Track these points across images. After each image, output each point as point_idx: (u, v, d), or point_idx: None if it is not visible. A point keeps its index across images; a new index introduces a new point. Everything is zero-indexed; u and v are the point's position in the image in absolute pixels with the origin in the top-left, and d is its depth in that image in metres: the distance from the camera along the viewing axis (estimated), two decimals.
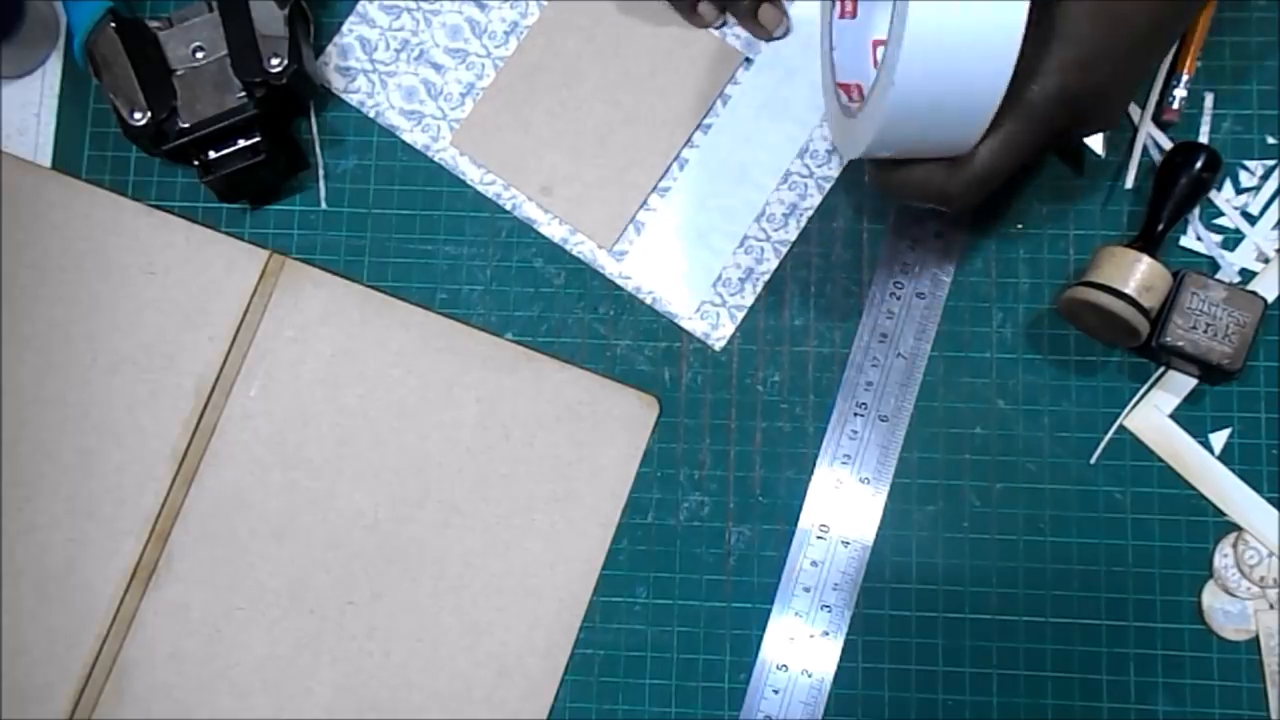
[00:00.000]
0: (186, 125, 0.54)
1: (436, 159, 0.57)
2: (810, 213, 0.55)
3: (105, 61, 0.53)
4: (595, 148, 0.56)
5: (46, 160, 0.58)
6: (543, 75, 0.56)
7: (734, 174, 0.55)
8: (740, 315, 0.55)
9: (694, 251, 0.55)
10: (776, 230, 0.55)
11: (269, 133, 0.55)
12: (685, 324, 0.55)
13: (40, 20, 0.58)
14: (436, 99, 0.57)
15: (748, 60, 0.56)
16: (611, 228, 0.55)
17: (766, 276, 0.55)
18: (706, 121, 0.56)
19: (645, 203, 0.55)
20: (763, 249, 0.55)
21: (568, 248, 0.56)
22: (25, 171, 0.58)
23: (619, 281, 0.55)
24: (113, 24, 0.53)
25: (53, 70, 0.59)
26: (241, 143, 0.54)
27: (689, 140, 0.56)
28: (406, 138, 0.57)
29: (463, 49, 0.57)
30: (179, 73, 0.54)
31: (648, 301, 0.55)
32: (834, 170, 0.55)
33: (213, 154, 0.54)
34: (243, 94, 0.54)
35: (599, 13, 0.56)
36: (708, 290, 0.55)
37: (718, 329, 0.55)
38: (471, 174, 0.56)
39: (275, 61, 0.53)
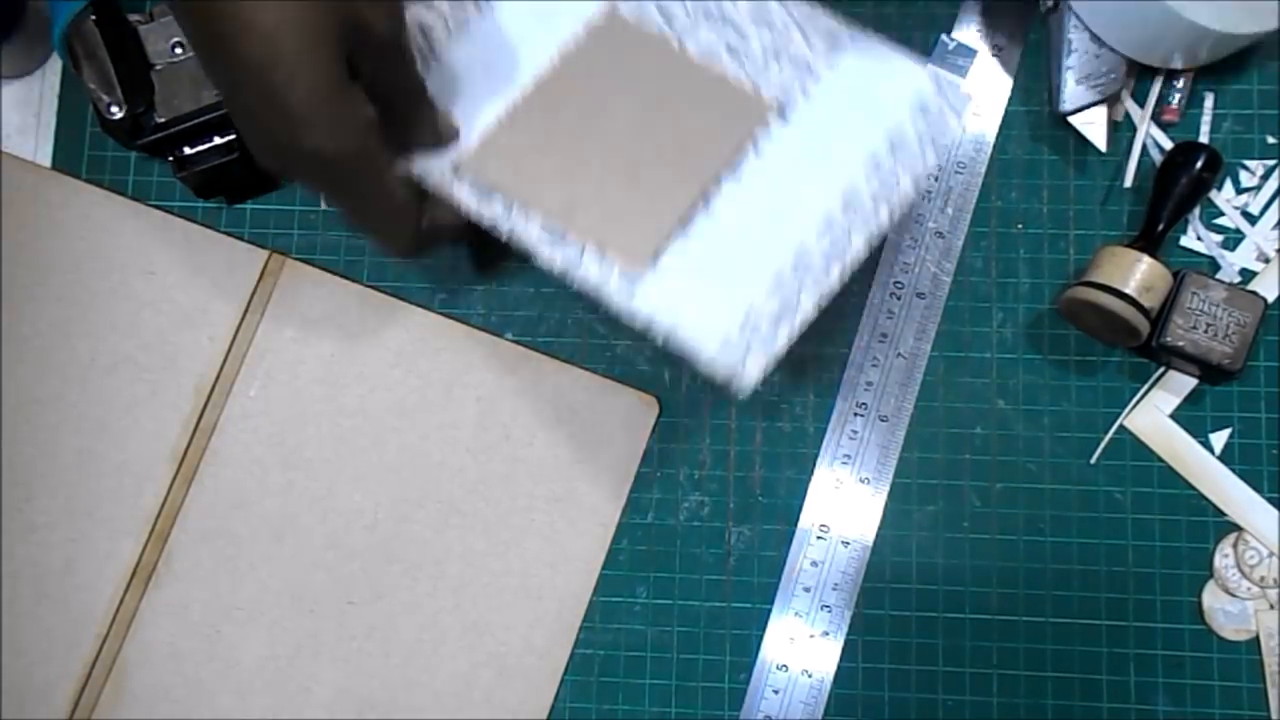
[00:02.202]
0: (163, 120, 0.54)
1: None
2: (854, 263, 0.48)
3: (84, 54, 0.53)
4: (620, 179, 0.50)
5: (46, 160, 0.58)
6: (564, 110, 0.51)
7: (766, 215, 0.49)
8: (770, 357, 0.47)
9: (720, 287, 0.49)
10: (815, 278, 0.48)
11: None
12: (708, 360, 0.47)
13: (40, 20, 0.58)
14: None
15: (781, 116, 0.51)
16: (641, 248, 0.49)
17: (803, 323, 0.48)
18: (737, 169, 0.50)
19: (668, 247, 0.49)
20: (798, 297, 0.48)
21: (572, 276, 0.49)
22: (25, 171, 0.58)
23: (628, 312, 0.48)
24: (93, 16, 0.53)
25: (53, 70, 0.59)
26: (217, 140, 0.54)
27: (717, 183, 0.50)
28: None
29: None
30: (157, 67, 0.54)
31: (663, 333, 0.47)
32: (884, 221, 0.49)
33: (188, 150, 0.54)
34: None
35: (623, 61, 0.52)
36: (734, 329, 0.47)
37: (747, 369, 0.47)
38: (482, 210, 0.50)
39: None
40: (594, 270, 0.49)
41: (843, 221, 0.50)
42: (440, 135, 0.50)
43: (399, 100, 0.47)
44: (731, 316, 0.48)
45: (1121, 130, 0.55)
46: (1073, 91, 0.53)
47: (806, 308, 0.49)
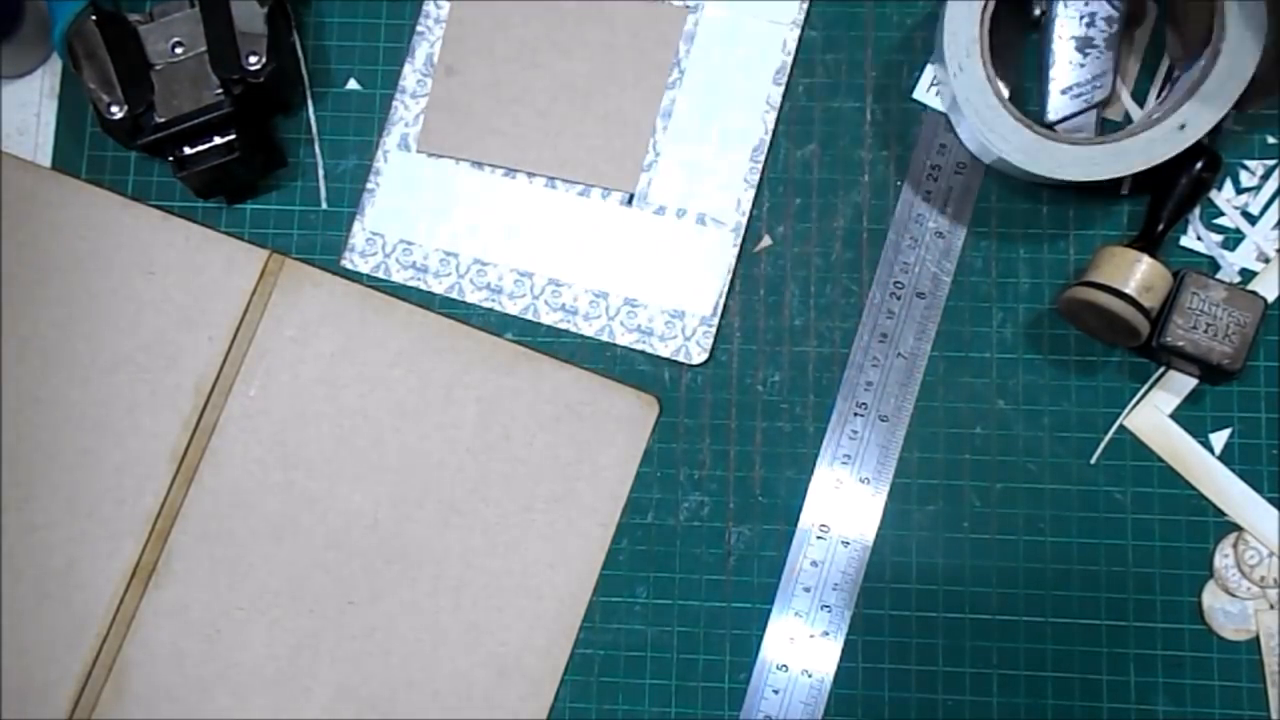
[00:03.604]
0: (162, 120, 0.54)
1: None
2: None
3: (84, 54, 0.54)
4: (579, 113, 0.56)
5: (46, 160, 0.58)
6: (494, 68, 0.56)
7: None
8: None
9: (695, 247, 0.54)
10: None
11: (247, 130, 0.55)
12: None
13: (40, 20, 0.58)
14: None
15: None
16: (630, 171, 0.55)
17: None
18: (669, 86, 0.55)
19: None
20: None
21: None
22: (25, 171, 0.58)
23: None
24: (93, 16, 0.53)
25: (53, 70, 0.59)
26: (217, 140, 0.54)
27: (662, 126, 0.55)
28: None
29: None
30: (157, 67, 0.54)
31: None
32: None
33: (188, 150, 0.54)
34: (220, 91, 0.54)
35: (509, 17, 0.56)
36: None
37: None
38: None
39: (254, 59, 0.53)
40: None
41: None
42: None
43: None
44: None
45: (1117, 129, 0.55)
46: (1057, 102, 0.53)
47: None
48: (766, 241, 0.55)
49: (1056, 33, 0.53)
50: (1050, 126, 0.53)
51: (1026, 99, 0.55)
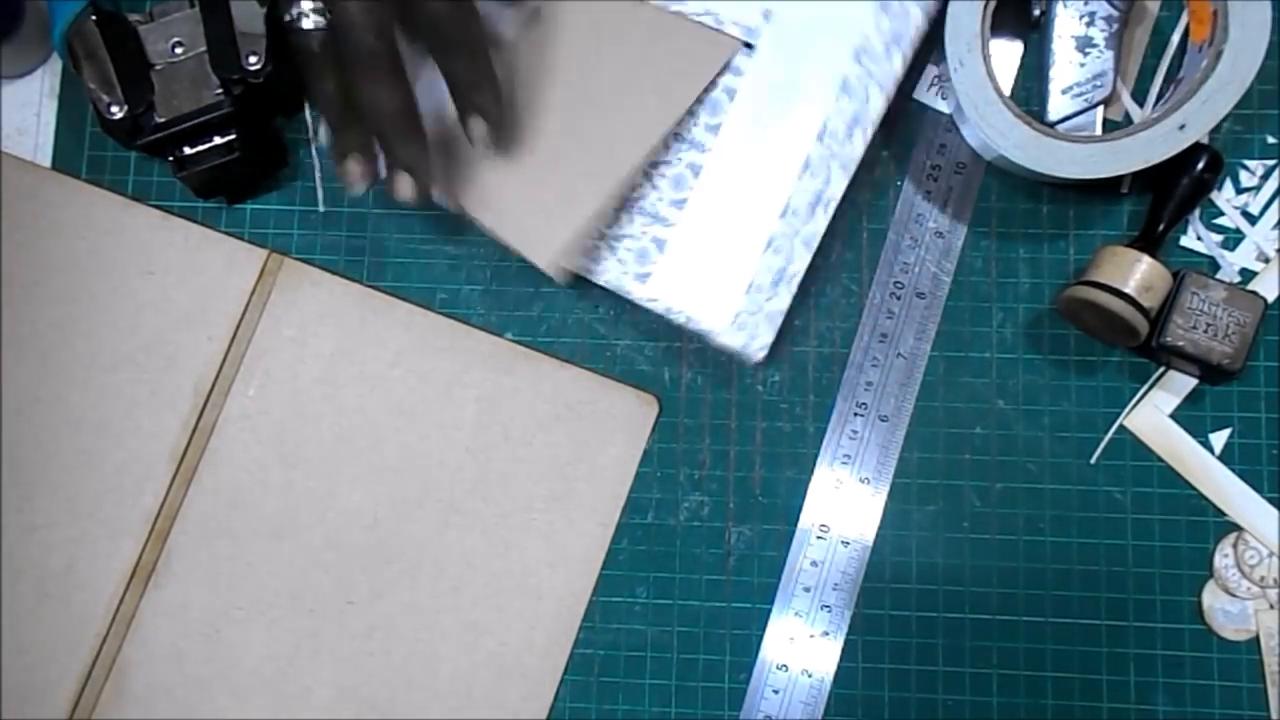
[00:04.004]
0: (162, 120, 0.54)
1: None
2: (837, 200, 0.50)
3: (84, 54, 0.54)
4: (597, 180, 0.50)
5: (46, 160, 0.58)
6: (528, 108, 0.52)
7: (750, 171, 0.51)
8: (779, 320, 0.51)
9: (720, 260, 0.51)
10: (804, 224, 0.50)
11: (247, 130, 0.55)
12: (722, 339, 0.51)
13: (40, 20, 0.58)
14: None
15: (747, 46, 0.51)
16: (548, 245, 0.50)
17: (799, 275, 0.51)
18: (713, 121, 0.51)
19: (664, 218, 0.51)
20: (791, 246, 0.50)
21: (593, 276, 0.52)
22: (25, 171, 0.58)
23: (647, 305, 0.51)
24: (93, 16, 0.53)
25: (53, 70, 0.59)
26: (216, 140, 0.54)
27: (698, 144, 0.51)
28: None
29: None
30: (157, 67, 0.54)
31: (680, 322, 0.51)
32: (858, 150, 0.50)
33: (188, 150, 0.54)
34: (220, 91, 0.54)
35: (580, 27, 0.52)
36: (740, 299, 0.50)
37: (757, 339, 0.51)
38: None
39: (253, 60, 0.53)
40: (611, 276, 0.51)
41: (822, 155, 0.50)
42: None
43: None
44: (736, 288, 0.51)
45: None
46: (1057, 102, 0.53)
47: (801, 259, 0.51)
48: None
49: (1056, 32, 0.53)
50: (1051, 126, 0.53)
51: (1028, 99, 0.55)
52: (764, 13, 0.51)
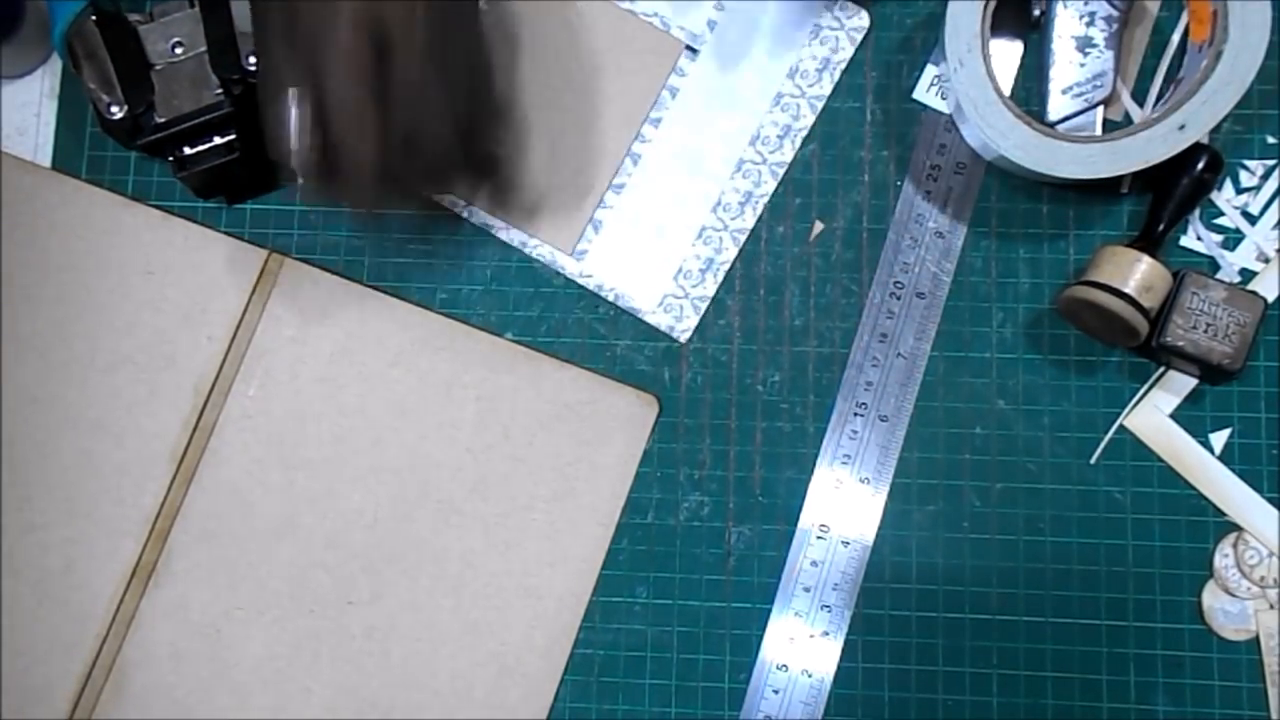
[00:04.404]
0: (162, 120, 0.54)
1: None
2: (765, 199, 0.55)
3: (84, 54, 0.54)
4: (545, 154, 0.56)
5: (46, 160, 0.58)
6: None
7: (687, 165, 0.56)
8: (703, 306, 0.55)
9: (652, 245, 0.55)
10: (733, 219, 0.55)
11: (247, 130, 0.55)
12: (649, 318, 0.55)
13: (40, 20, 0.58)
14: None
15: (690, 50, 0.56)
16: (570, 232, 0.55)
17: (726, 266, 0.55)
18: (655, 115, 0.56)
19: (602, 201, 0.56)
20: (721, 238, 0.55)
21: (528, 250, 0.56)
22: (25, 171, 0.58)
23: (580, 280, 0.55)
24: (93, 17, 0.53)
25: (53, 70, 0.59)
26: (216, 140, 0.54)
27: (639, 135, 0.56)
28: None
29: None
30: (158, 67, 0.54)
31: (610, 298, 0.55)
32: (786, 156, 0.55)
33: (188, 150, 0.54)
34: (220, 91, 0.54)
35: (532, 17, 0.56)
36: (669, 283, 0.55)
37: (682, 321, 0.55)
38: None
39: (254, 59, 0.53)
40: (544, 249, 0.55)
41: (754, 159, 0.55)
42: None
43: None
44: (666, 272, 0.55)
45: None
46: (1057, 102, 0.53)
47: (729, 250, 0.55)
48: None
49: (1056, 32, 0.53)
50: (1051, 126, 0.53)
51: (1027, 99, 0.55)
52: (709, 22, 0.56)
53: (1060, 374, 0.54)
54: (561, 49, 0.56)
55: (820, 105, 0.55)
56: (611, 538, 0.54)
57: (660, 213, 0.56)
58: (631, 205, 0.56)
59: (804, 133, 0.55)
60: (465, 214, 0.56)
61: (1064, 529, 0.53)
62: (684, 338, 0.55)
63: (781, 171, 0.55)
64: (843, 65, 0.55)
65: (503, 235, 0.56)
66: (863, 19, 0.55)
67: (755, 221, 0.55)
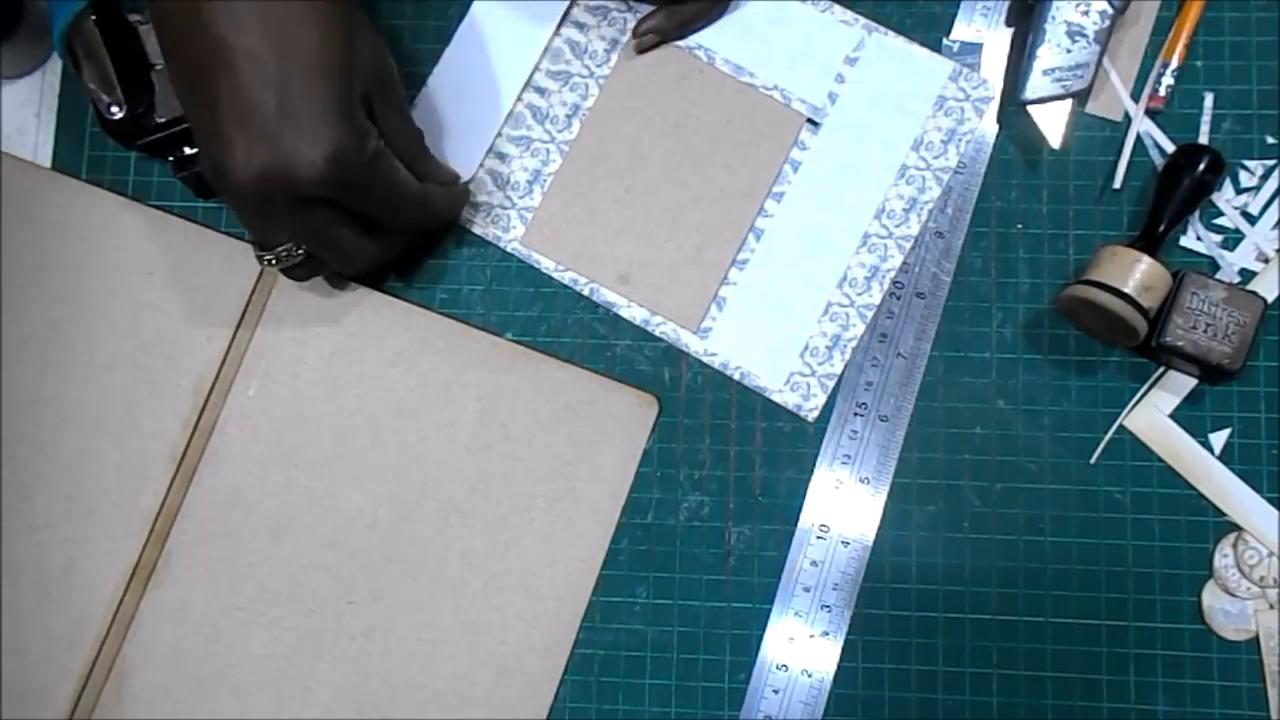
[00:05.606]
0: (162, 120, 0.54)
1: (509, 249, 0.56)
2: (892, 273, 0.54)
3: (84, 54, 0.54)
4: (668, 230, 0.55)
5: (46, 160, 0.58)
6: (605, 162, 0.55)
7: (811, 240, 0.54)
8: (830, 384, 0.54)
9: (778, 322, 0.54)
10: (859, 295, 0.54)
11: None
12: (776, 397, 0.54)
13: (40, 20, 0.58)
14: (504, 188, 0.56)
15: (811, 123, 0.55)
16: (695, 308, 0.54)
17: (853, 342, 0.54)
18: (778, 190, 0.55)
19: (726, 278, 0.54)
20: (847, 315, 0.54)
21: (650, 329, 0.54)
22: (25, 171, 0.58)
23: (705, 359, 0.54)
24: (93, 16, 0.53)
25: (53, 70, 0.59)
26: None
27: (762, 210, 0.55)
28: (478, 230, 0.56)
29: (526, 135, 0.56)
30: (157, 68, 0.54)
31: (735, 378, 0.54)
32: (912, 229, 0.54)
33: (188, 150, 0.54)
34: None
35: (654, 93, 0.55)
36: (795, 361, 0.54)
37: (809, 400, 0.53)
38: (546, 264, 0.55)
39: None
40: (668, 326, 0.55)
41: (879, 233, 0.54)
42: (447, 174, 0.55)
43: (402, 143, 0.51)
44: (792, 350, 0.54)
45: (1116, 130, 0.55)
46: (1036, 81, 0.53)
47: (856, 327, 0.54)
48: None
49: (1052, 13, 0.53)
50: (1023, 105, 0.53)
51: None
52: (830, 94, 0.55)
53: (1060, 374, 0.54)
54: (682, 123, 0.55)
55: (946, 178, 0.54)
56: (611, 538, 0.54)
57: (785, 289, 0.54)
58: (756, 281, 0.54)
59: (929, 205, 0.54)
60: (588, 293, 0.55)
61: (1064, 529, 0.53)
62: (811, 416, 0.54)
63: (908, 245, 0.54)
64: (968, 138, 0.54)
65: (625, 313, 0.55)
66: (988, 89, 0.54)
67: (882, 297, 0.54)
